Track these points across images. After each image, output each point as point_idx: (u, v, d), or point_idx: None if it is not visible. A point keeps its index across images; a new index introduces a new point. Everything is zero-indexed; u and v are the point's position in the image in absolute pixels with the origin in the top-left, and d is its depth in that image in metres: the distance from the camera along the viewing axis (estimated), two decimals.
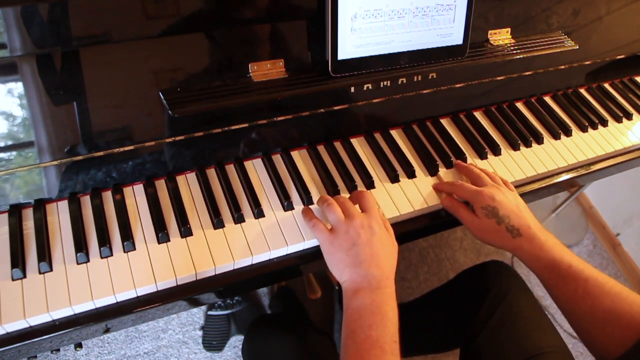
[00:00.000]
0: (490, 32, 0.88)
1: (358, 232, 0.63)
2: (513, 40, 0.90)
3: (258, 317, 0.90)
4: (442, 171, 0.81)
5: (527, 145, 0.88)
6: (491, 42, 0.88)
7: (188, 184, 0.72)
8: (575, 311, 0.65)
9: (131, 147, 0.67)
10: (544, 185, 0.85)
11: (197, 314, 1.40)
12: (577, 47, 0.93)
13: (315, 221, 0.67)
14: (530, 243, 0.67)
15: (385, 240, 0.65)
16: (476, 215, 0.71)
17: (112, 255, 0.63)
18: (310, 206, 0.72)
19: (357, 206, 0.69)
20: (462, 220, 0.73)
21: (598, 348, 0.63)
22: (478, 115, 0.92)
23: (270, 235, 0.68)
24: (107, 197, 0.69)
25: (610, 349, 0.61)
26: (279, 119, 0.75)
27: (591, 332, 0.64)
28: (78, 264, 0.62)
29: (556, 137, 0.91)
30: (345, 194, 0.74)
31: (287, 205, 0.71)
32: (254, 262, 0.67)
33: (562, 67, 0.98)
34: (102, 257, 0.63)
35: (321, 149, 0.80)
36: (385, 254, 0.64)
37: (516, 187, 0.81)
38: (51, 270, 0.61)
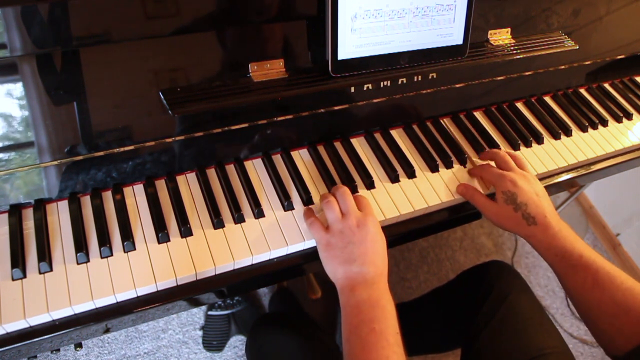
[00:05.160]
0: (490, 32, 0.88)
1: (353, 231, 0.64)
2: (513, 40, 0.89)
3: (262, 316, 0.90)
4: (442, 171, 0.81)
5: (527, 145, 0.88)
6: (491, 42, 0.88)
7: (188, 183, 0.72)
8: (584, 301, 0.65)
9: (131, 147, 0.67)
10: (544, 185, 0.85)
11: (197, 314, 1.40)
12: (577, 47, 0.93)
13: (313, 219, 0.68)
14: (544, 232, 0.68)
15: (379, 238, 0.66)
16: (493, 200, 0.73)
17: (112, 255, 0.63)
18: (311, 206, 0.72)
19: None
20: (477, 205, 0.74)
21: (606, 341, 0.64)
22: (478, 115, 0.92)
23: (270, 235, 0.68)
24: (107, 197, 0.69)
25: (619, 342, 0.61)
26: (279, 119, 0.75)
27: (599, 324, 0.64)
28: (78, 264, 0.62)
29: (556, 137, 0.91)
30: None
31: (287, 205, 0.71)
32: (254, 262, 0.67)
33: (562, 67, 0.98)
34: (102, 257, 0.63)
35: (321, 149, 0.80)
36: (379, 251, 0.65)
37: None
38: (51, 270, 0.61)
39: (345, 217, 0.66)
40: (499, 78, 0.91)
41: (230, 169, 0.75)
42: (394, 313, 0.60)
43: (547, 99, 0.99)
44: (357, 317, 0.59)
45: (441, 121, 0.89)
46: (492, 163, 0.79)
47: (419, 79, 0.81)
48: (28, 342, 0.58)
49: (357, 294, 0.61)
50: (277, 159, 0.78)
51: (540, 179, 0.86)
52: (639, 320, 0.60)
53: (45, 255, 0.61)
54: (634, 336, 0.60)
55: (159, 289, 0.63)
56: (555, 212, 0.70)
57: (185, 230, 0.66)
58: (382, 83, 0.78)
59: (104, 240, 0.63)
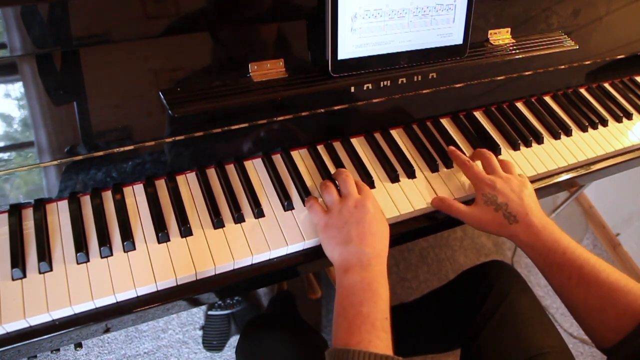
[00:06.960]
0: (490, 32, 0.88)
1: (351, 212, 0.65)
2: (513, 40, 0.90)
3: (253, 318, 0.89)
4: (443, 171, 0.81)
5: (527, 145, 0.88)
6: (491, 42, 0.88)
7: (188, 183, 0.72)
8: (570, 298, 0.65)
9: (131, 147, 0.67)
10: (544, 185, 0.85)
11: (197, 314, 1.40)
12: (577, 47, 0.93)
13: (312, 202, 0.69)
14: (526, 230, 0.67)
15: (379, 220, 0.66)
16: (472, 205, 0.72)
17: (112, 255, 0.63)
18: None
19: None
20: (457, 215, 0.73)
21: (595, 335, 0.64)
22: (478, 115, 0.92)
23: (270, 235, 0.68)
24: (107, 196, 0.69)
25: (607, 336, 0.61)
26: (279, 118, 0.75)
27: (587, 319, 0.64)
28: (78, 263, 0.62)
29: (556, 137, 0.91)
30: None
31: (287, 205, 0.71)
32: (254, 262, 0.67)
33: (562, 67, 0.98)
34: (102, 257, 0.63)
35: (321, 149, 0.80)
36: (378, 233, 0.64)
37: None
38: (51, 270, 0.61)
39: (344, 199, 0.67)
40: (498, 78, 0.91)
41: (230, 169, 0.75)
42: (387, 298, 0.60)
43: (547, 98, 0.99)
44: (348, 299, 0.59)
45: (441, 121, 0.89)
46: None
47: (419, 78, 0.81)
48: (28, 342, 0.58)
49: (350, 275, 0.60)
50: (277, 158, 0.78)
51: (540, 179, 0.86)
52: (625, 313, 0.60)
53: (45, 255, 0.61)
54: (621, 328, 0.60)
55: (159, 288, 0.62)
56: (541, 210, 0.70)
57: (185, 230, 0.66)
58: (382, 83, 0.78)
59: (104, 240, 0.63)
